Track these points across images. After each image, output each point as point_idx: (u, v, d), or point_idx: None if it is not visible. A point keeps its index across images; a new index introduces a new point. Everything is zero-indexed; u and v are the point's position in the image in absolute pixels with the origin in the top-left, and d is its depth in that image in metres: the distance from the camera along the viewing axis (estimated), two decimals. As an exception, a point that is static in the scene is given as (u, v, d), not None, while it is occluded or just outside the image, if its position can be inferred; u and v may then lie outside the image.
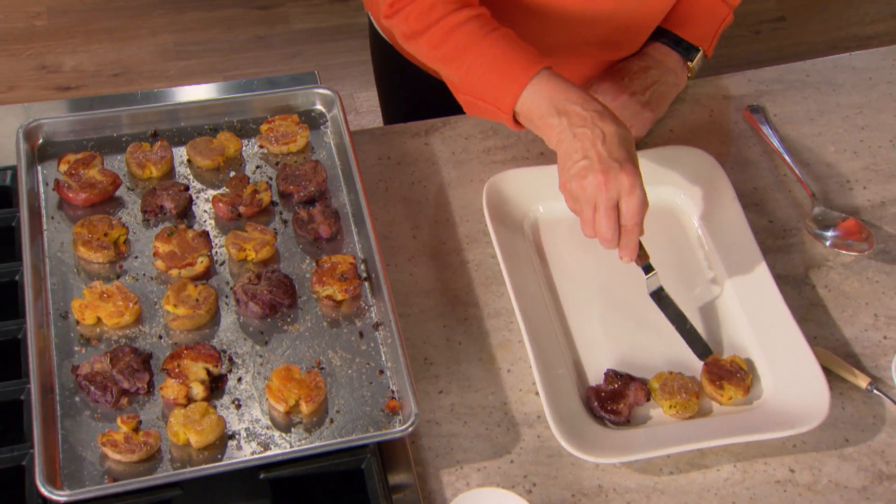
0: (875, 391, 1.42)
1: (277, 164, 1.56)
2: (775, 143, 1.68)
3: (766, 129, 1.70)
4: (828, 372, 1.43)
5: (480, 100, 1.45)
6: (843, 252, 1.56)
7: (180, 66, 3.63)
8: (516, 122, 1.46)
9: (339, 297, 1.42)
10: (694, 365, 1.43)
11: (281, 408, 1.32)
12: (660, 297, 1.45)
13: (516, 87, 1.41)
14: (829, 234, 1.57)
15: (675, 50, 1.70)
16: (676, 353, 1.44)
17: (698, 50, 1.70)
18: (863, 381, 1.42)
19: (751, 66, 1.84)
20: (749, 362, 1.43)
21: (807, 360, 1.39)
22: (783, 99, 1.77)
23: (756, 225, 1.58)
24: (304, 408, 1.32)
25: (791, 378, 1.40)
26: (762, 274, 1.47)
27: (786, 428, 1.34)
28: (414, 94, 1.89)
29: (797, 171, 1.64)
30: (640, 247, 1.41)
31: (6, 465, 1.29)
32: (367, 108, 3.48)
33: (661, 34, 1.71)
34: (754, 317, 1.46)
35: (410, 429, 1.29)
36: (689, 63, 1.70)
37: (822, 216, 1.59)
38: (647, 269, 1.44)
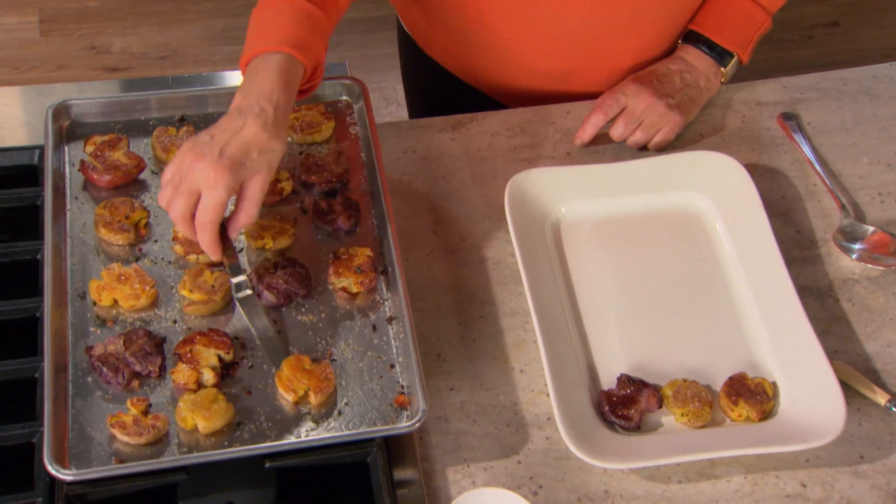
0: (894, 409, 1.39)
1: (301, 153, 1.56)
2: (807, 151, 1.65)
3: (798, 138, 1.67)
4: (847, 387, 1.41)
5: (247, 35, 1.41)
6: (870, 266, 1.54)
7: (226, 52, 3.66)
8: None
9: (355, 289, 1.42)
10: (710, 374, 1.42)
11: (290, 398, 1.32)
12: (245, 302, 1.36)
13: (255, 49, 1.37)
14: (857, 246, 1.55)
15: (709, 55, 1.68)
16: (692, 361, 1.43)
17: (733, 55, 1.68)
18: (882, 398, 1.40)
19: (800, 71, 1.81)
20: (775, 386, 1.40)
21: (824, 374, 1.37)
22: (818, 107, 1.74)
23: (782, 234, 1.56)
24: (313, 399, 1.32)
25: (807, 391, 1.37)
26: (784, 284, 1.45)
27: (799, 442, 1.32)
28: (437, 91, 1.89)
29: (827, 182, 1.62)
30: (229, 247, 1.35)
31: (17, 441, 1.30)
32: (407, 99, 3.48)
33: (696, 38, 1.69)
34: (773, 328, 1.44)
35: (417, 424, 1.29)
36: (722, 68, 1.68)
37: (850, 228, 1.57)
38: (234, 270, 1.35)
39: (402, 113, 3.42)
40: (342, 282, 1.42)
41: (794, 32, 3.92)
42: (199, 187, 1.27)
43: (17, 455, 1.30)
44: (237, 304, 1.36)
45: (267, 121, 1.30)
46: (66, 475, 1.23)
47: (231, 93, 1.59)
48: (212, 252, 1.32)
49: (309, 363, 1.34)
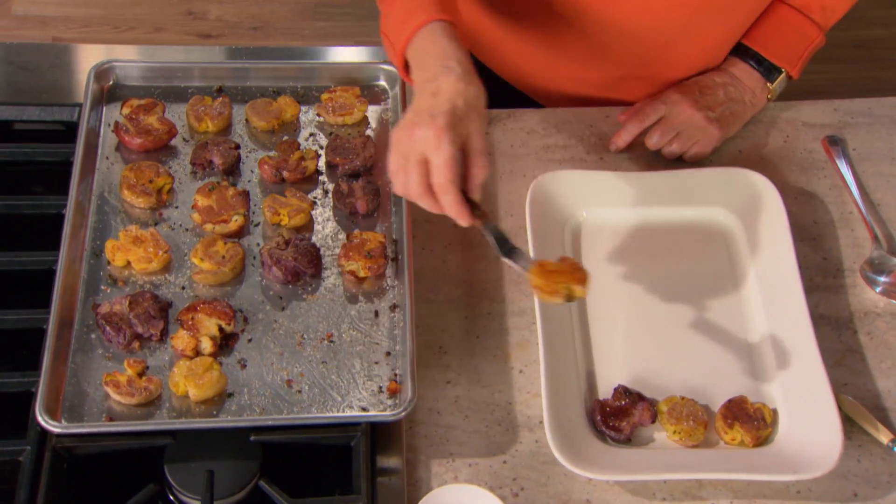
0: (896, 449, 1.36)
1: (331, 134, 1.57)
2: (847, 177, 1.61)
3: (840, 163, 1.63)
4: (850, 422, 1.37)
5: (386, 38, 1.42)
6: (894, 301, 1.49)
7: (317, 27, 3.69)
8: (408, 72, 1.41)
9: (363, 273, 1.42)
10: (711, 394, 1.39)
11: (559, 301, 1.27)
12: (510, 251, 1.31)
13: (408, 30, 1.36)
14: (882, 279, 1.50)
15: (756, 69, 1.64)
16: (695, 380, 1.40)
17: (781, 71, 1.64)
18: (885, 437, 1.36)
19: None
20: (775, 413, 1.38)
21: (826, 407, 1.33)
22: (867, 133, 1.69)
23: (809, 260, 1.53)
24: (580, 291, 1.26)
25: (807, 422, 1.34)
26: (799, 312, 1.41)
27: (789, 472, 1.29)
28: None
29: (863, 210, 1.57)
30: (476, 207, 1.29)
31: (16, 389, 1.34)
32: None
33: (744, 52, 1.66)
34: (782, 354, 1.41)
35: (403, 414, 1.29)
36: (769, 84, 1.65)
37: (878, 260, 1.52)
38: (490, 230, 1.31)
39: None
40: (351, 265, 1.43)
41: (896, 52, 3.80)
42: (425, 154, 1.25)
43: (16, 403, 1.33)
44: (506, 261, 1.32)
45: (458, 73, 1.29)
46: (54, 427, 1.26)
47: (272, 68, 1.64)
48: (460, 216, 1.27)
49: (551, 265, 1.29)
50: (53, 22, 3.62)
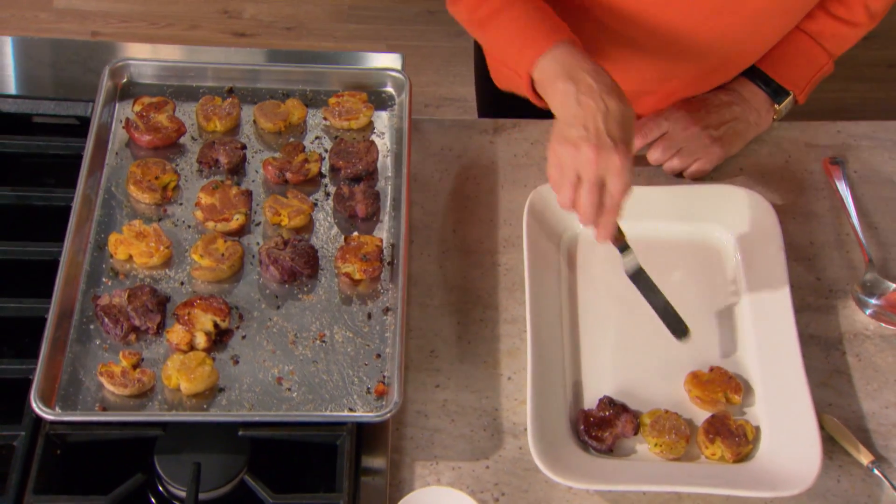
0: (876, 471, 1.36)
1: (336, 137, 1.60)
2: (846, 199, 1.62)
3: (840, 185, 1.64)
4: (832, 442, 1.39)
5: (503, 64, 1.45)
6: (883, 325, 1.50)
7: (349, 29, 3.73)
8: (535, 92, 1.44)
9: (358, 276, 1.45)
10: (696, 409, 1.41)
11: (715, 409, 1.40)
12: (638, 277, 1.43)
13: (535, 53, 1.40)
14: (873, 301, 1.51)
15: (764, 90, 1.66)
16: (681, 394, 1.42)
17: (788, 93, 1.65)
18: (865, 459, 1.37)
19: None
20: (757, 430, 1.39)
21: (808, 426, 1.34)
22: (869, 156, 1.70)
23: (802, 280, 1.54)
24: (736, 398, 1.40)
25: (788, 440, 1.36)
26: (787, 331, 1.43)
27: (768, 489, 1.31)
28: (504, 96, 1.88)
29: (859, 232, 1.58)
30: (618, 228, 1.39)
31: (15, 375, 1.37)
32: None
33: (753, 72, 1.67)
34: (768, 373, 1.42)
35: (388, 416, 1.31)
36: (776, 105, 1.66)
37: (871, 283, 1.53)
38: (623, 248, 1.42)
39: (454, 112, 3.43)
40: (347, 267, 1.45)
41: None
42: (604, 176, 1.31)
43: (14, 389, 1.37)
44: (631, 280, 1.44)
45: (619, 93, 1.34)
46: (48, 414, 1.29)
47: (283, 71, 1.67)
48: (611, 234, 1.37)
49: (704, 374, 1.42)
50: (93, 16, 3.68)
